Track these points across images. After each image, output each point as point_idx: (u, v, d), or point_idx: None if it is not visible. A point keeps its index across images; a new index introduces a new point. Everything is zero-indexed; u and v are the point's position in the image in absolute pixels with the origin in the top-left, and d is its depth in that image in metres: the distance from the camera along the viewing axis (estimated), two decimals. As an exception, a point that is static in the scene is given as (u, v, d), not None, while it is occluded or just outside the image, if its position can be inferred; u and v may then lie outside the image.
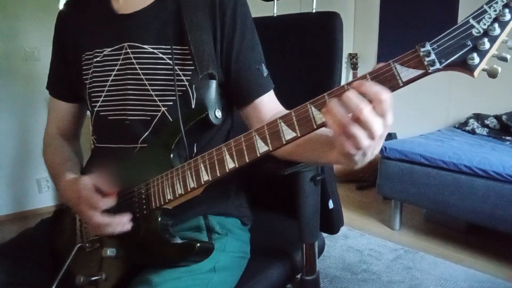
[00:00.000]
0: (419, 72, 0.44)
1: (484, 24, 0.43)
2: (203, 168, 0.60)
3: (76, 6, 0.84)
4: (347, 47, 3.52)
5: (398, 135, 2.75)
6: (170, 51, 0.72)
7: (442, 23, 2.63)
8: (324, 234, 0.93)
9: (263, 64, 0.76)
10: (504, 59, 0.43)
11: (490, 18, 0.43)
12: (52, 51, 0.87)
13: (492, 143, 2.11)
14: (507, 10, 0.42)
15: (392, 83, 0.45)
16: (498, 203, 1.66)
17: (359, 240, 2.00)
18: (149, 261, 0.66)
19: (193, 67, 0.71)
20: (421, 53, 0.44)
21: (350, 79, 3.16)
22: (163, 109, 0.73)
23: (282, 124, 0.52)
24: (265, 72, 0.76)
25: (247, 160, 0.55)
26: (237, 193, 0.81)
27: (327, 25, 0.92)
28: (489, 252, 1.86)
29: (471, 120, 2.44)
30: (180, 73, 0.72)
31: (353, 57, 3.28)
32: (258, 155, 0.54)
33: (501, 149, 1.95)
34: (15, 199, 2.68)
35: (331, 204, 0.88)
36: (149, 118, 0.73)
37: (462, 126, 2.48)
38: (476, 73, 0.43)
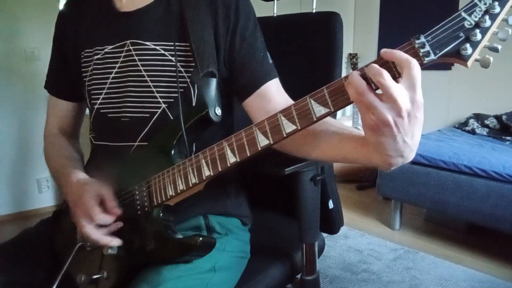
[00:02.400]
0: None
1: (476, 17, 0.45)
2: (204, 164, 0.60)
3: (77, 5, 0.84)
4: (347, 47, 3.54)
5: (398, 135, 2.75)
6: (172, 48, 0.73)
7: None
8: (324, 234, 0.94)
9: (267, 52, 0.76)
10: (495, 50, 0.45)
11: (481, 11, 0.45)
12: (51, 50, 0.87)
13: (492, 143, 2.11)
14: (496, 3, 0.44)
15: (389, 74, 0.46)
16: (498, 203, 1.66)
17: (359, 240, 2.00)
18: (151, 258, 0.67)
19: (194, 65, 0.71)
20: (416, 45, 0.46)
21: (350, 79, 3.19)
22: (163, 106, 0.73)
23: (282, 117, 0.53)
24: (270, 60, 0.75)
25: (248, 154, 0.56)
26: (237, 192, 0.81)
27: (327, 25, 0.92)
28: (489, 252, 1.86)
29: (471, 120, 2.44)
30: (182, 70, 0.73)
31: (353, 57, 3.29)
32: (259, 148, 0.55)
33: (501, 149, 1.95)
34: (15, 199, 2.69)
35: (331, 204, 0.88)
36: (148, 115, 0.73)
37: (462, 126, 2.48)
38: (469, 63, 0.46)
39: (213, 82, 0.71)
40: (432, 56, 0.45)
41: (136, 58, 0.74)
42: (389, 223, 2.16)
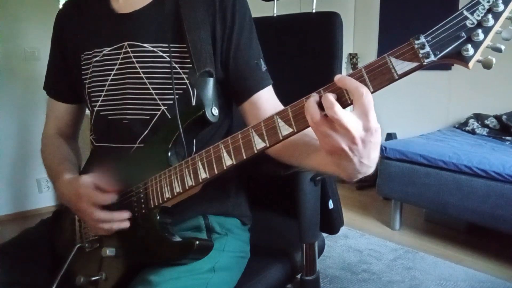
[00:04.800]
0: (414, 64, 0.45)
1: (478, 16, 0.43)
2: (200, 166, 0.60)
3: (75, 7, 0.84)
4: (347, 47, 3.54)
5: (398, 135, 2.76)
6: (174, 50, 0.73)
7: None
8: (324, 234, 0.94)
9: (261, 59, 0.76)
10: (498, 50, 0.43)
11: (483, 9, 0.43)
12: (50, 52, 0.87)
13: (492, 143, 2.12)
14: (500, 1, 0.42)
15: (387, 76, 0.46)
16: (498, 203, 1.67)
17: (359, 240, 2.01)
18: (149, 260, 0.67)
19: (191, 65, 0.71)
20: (416, 46, 0.45)
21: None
22: (163, 108, 0.73)
23: (279, 120, 0.52)
24: (264, 67, 0.76)
25: (245, 157, 0.55)
26: (237, 192, 0.81)
27: (327, 25, 0.92)
28: (489, 252, 1.87)
29: (471, 120, 2.45)
30: (181, 71, 0.73)
31: (353, 57, 3.30)
32: (256, 151, 0.55)
33: (501, 149, 1.96)
34: (15, 199, 2.69)
35: (331, 204, 0.88)
36: (148, 117, 0.73)
37: (462, 126, 2.49)
38: (470, 64, 0.44)
39: (210, 82, 0.71)
40: (432, 57, 0.44)
41: (134, 60, 0.74)
42: (389, 223, 2.17)
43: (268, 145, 0.54)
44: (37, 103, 2.57)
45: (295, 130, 0.52)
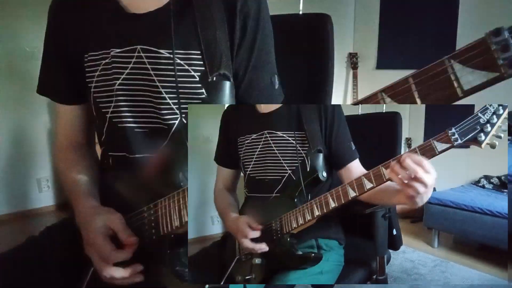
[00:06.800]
0: (448, 145, 0.81)
1: (487, 116, 0.77)
2: (317, 206, 1.06)
3: (74, 0, 0.87)
4: (347, 47, 3.81)
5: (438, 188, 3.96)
6: (186, 56, 0.78)
7: (442, 23, 3.08)
8: (390, 250, 1.39)
9: (276, 76, 0.90)
10: (499, 137, 0.77)
11: (490, 112, 0.76)
12: (44, 49, 0.91)
13: (495, 194, 3.71)
14: (500, 107, 0.77)
15: (432, 152, 0.83)
16: (494, 231, 3.06)
17: (412, 254, 3.31)
18: (283, 267, 1.13)
19: (208, 71, 0.78)
20: (449, 134, 0.79)
21: (350, 78, 3.63)
22: (179, 116, 0.80)
23: (365, 179, 0.93)
24: (277, 85, 0.90)
25: (343, 201, 0.99)
26: (336, 223, 1.31)
27: (318, 27, 1.13)
28: (495, 263, 3.15)
29: (482, 179, 4.14)
30: (196, 77, 0.78)
31: (353, 56, 3.72)
32: (350, 198, 0.98)
33: (500, 198, 3.42)
34: (15, 199, 2.99)
35: (394, 231, 1.38)
36: (166, 127, 0.82)
37: (476, 183, 4.18)
38: (483, 145, 0.77)
39: (320, 156, 1.14)
40: (459, 141, 0.77)
41: (148, 66, 0.79)
42: (431, 243, 3.49)
43: (357, 194, 0.96)
44: (37, 103, 2.84)
45: (375, 185, 0.92)
